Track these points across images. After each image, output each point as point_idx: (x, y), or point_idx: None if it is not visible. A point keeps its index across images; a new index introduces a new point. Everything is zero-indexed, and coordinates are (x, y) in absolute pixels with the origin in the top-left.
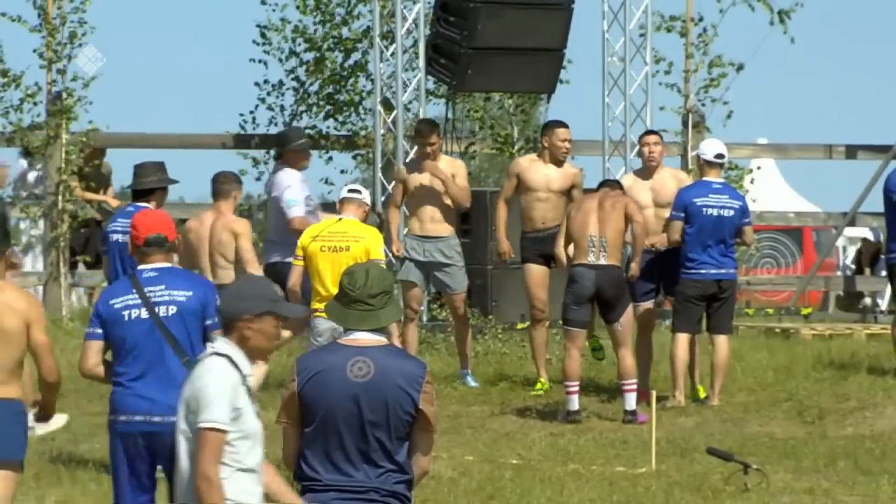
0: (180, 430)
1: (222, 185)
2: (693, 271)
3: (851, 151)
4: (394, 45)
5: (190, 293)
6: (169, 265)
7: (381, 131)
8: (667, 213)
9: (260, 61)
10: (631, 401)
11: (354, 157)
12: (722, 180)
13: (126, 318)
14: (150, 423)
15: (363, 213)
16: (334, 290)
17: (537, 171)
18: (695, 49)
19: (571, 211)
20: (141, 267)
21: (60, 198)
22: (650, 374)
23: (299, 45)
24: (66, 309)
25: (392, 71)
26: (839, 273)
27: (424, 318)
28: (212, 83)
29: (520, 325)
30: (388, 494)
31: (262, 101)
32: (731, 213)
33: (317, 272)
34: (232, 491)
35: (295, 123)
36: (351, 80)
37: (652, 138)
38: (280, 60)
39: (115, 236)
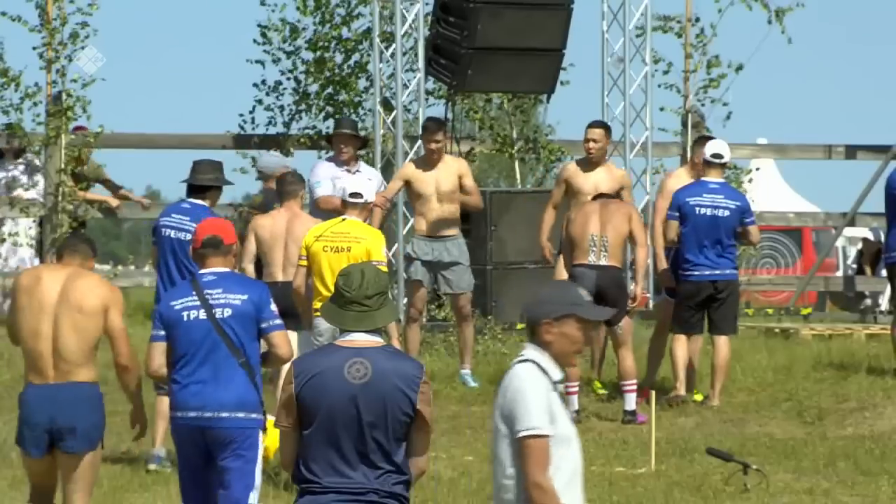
0: (500, 438)
1: (290, 185)
2: (688, 272)
3: (851, 152)
4: (393, 46)
5: (245, 296)
6: (227, 270)
7: (381, 131)
8: None
9: (258, 62)
10: (631, 401)
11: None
12: (720, 180)
13: (185, 318)
14: (204, 418)
15: (367, 214)
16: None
17: (586, 176)
18: (693, 49)
19: (571, 213)
20: (201, 271)
21: (60, 198)
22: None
23: (299, 45)
24: None
25: (392, 71)
26: (839, 273)
27: (424, 319)
28: (212, 83)
29: (519, 326)
30: (386, 495)
31: (259, 102)
32: (727, 213)
33: (319, 272)
34: None
35: (294, 123)
36: (351, 81)
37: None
38: (276, 61)
39: (166, 231)
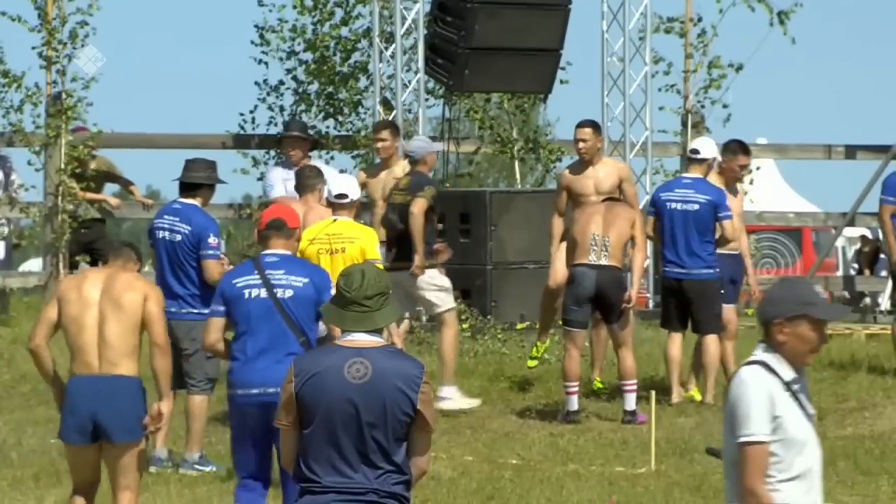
0: (727, 440)
1: (308, 179)
2: (664, 269)
3: (851, 151)
4: (393, 46)
5: (307, 280)
6: (289, 252)
7: None
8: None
9: (260, 61)
10: (630, 401)
11: (354, 158)
12: (695, 175)
13: (246, 296)
14: (266, 394)
15: (356, 211)
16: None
17: (584, 177)
18: (694, 49)
19: (575, 213)
20: (263, 252)
21: (60, 198)
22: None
23: (298, 45)
24: None
25: (392, 71)
26: (839, 273)
27: (424, 319)
28: (212, 83)
29: (519, 325)
30: (387, 495)
31: (262, 100)
32: (696, 206)
33: None
34: (780, 501)
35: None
36: (350, 81)
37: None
38: (280, 60)
39: (160, 233)
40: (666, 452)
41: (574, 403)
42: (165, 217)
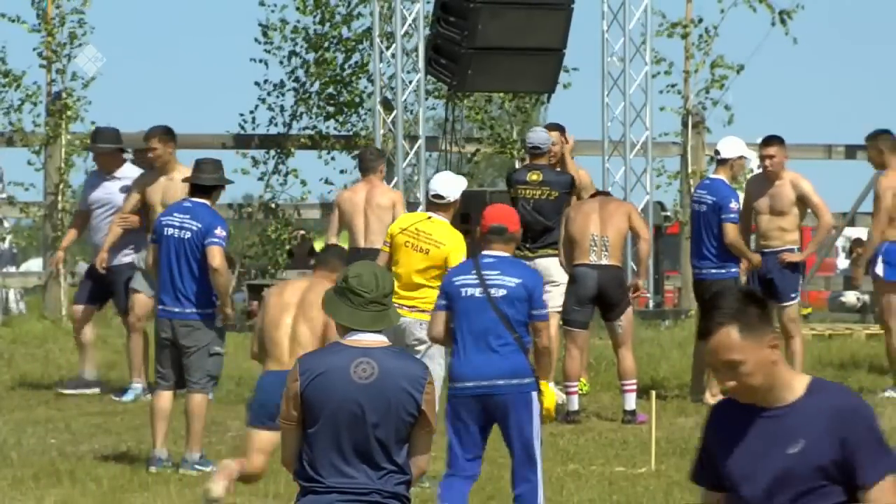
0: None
1: (371, 161)
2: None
3: (851, 151)
4: (394, 46)
5: (519, 280)
6: (507, 255)
7: (381, 132)
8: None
9: (261, 61)
10: (630, 401)
11: (355, 158)
12: (716, 177)
13: (462, 294)
14: (480, 387)
15: (452, 213)
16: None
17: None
18: (696, 49)
19: (571, 213)
20: (483, 253)
21: (60, 198)
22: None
23: (300, 45)
24: (65, 309)
25: (392, 71)
26: (839, 273)
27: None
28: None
29: None
30: (389, 496)
31: (263, 101)
32: (704, 208)
33: (395, 262)
34: None
35: (295, 123)
36: (351, 81)
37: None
38: (281, 62)
39: (168, 230)
40: (666, 452)
41: (574, 403)
42: (175, 214)
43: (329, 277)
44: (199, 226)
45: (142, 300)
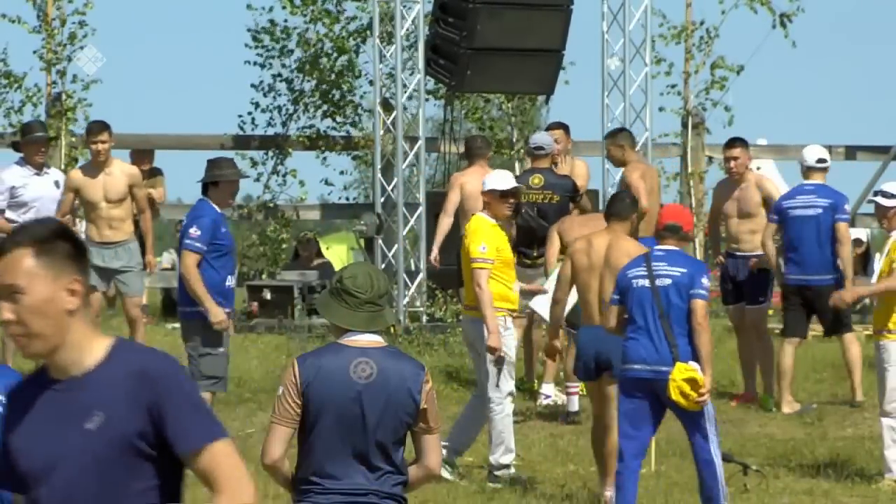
0: None
1: (479, 148)
2: (787, 275)
3: (851, 152)
4: (393, 46)
5: (684, 270)
6: (676, 248)
7: (381, 132)
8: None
9: (254, 63)
10: None
11: (354, 159)
12: (818, 182)
13: (634, 285)
14: (647, 371)
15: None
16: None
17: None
18: (696, 50)
19: (565, 221)
20: (655, 247)
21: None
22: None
23: (292, 43)
24: None
25: (392, 71)
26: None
27: (424, 319)
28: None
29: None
30: (386, 497)
31: (256, 105)
32: (819, 211)
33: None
34: None
35: (292, 124)
36: (346, 80)
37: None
38: (264, 66)
39: (179, 234)
40: (666, 453)
41: (575, 404)
42: (186, 216)
43: (624, 227)
44: (186, 224)
45: (97, 297)
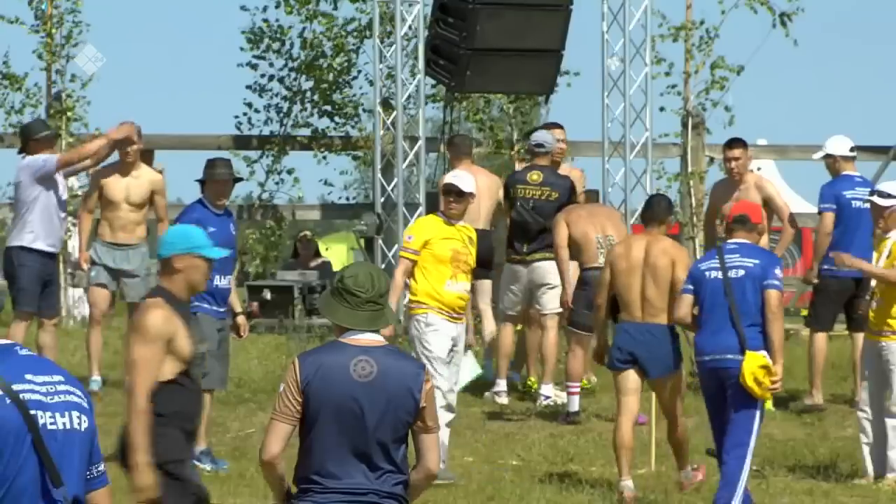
0: None
1: (460, 147)
2: (828, 268)
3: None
4: (393, 46)
5: (757, 261)
6: (747, 242)
7: (381, 132)
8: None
9: (247, 65)
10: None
11: (354, 159)
12: (861, 175)
13: (707, 277)
14: (714, 360)
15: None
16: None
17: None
18: (696, 50)
19: (566, 217)
20: (728, 240)
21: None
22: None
23: (290, 43)
24: (65, 309)
25: (391, 72)
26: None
27: None
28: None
29: (518, 326)
30: (386, 496)
31: (250, 105)
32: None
33: None
34: None
35: (289, 122)
36: (346, 81)
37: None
38: (254, 67)
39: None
40: (666, 453)
41: (575, 404)
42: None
43: (660, 230)
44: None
45: (104, 294)
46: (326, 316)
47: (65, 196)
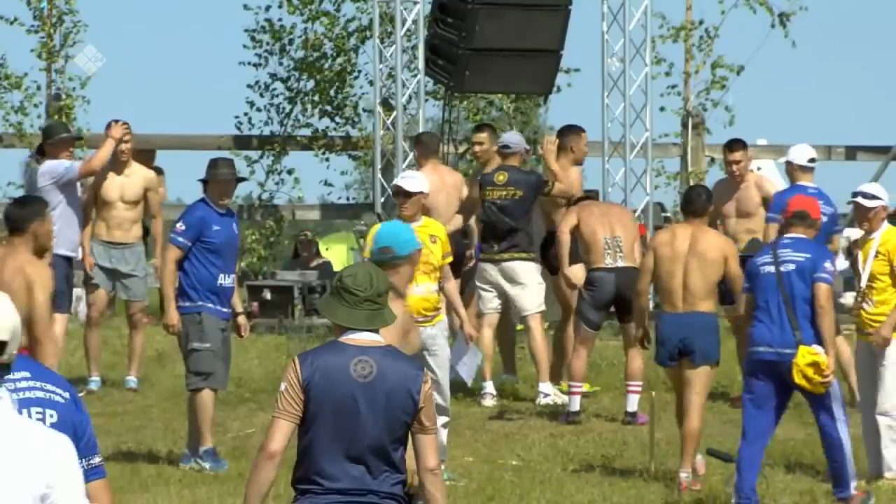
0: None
1: (427, 145)
2: None
3: (851, 152)
4: (393, 47)
5: (808, 255)
6: (802, 236)
7: (381, 132)
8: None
9: (251, 63)
10: (633, 402)
11: (354, 159)
12: (815, 186)
13: (761, 272)
14: (771, 353)
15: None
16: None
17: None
18: (696, 50)
19: (575, 216)
20: (785, 235)
21: None
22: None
23: (292, 43)
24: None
25: (391, 72)
26: (839, 274)
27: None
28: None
29: (519, 327)
30: (386, 496)
31: (252, 104)
32: (825, 219)
33: None
34: None
35: (289, 122)
36: (347, 80)
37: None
38: (257, 66)
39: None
40: (666, 453)
41: (576, 404)
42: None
43: (702, 222)
44: (175, 220)
45: (102, 295)
46: (326, 315)
47: (81, 199)
